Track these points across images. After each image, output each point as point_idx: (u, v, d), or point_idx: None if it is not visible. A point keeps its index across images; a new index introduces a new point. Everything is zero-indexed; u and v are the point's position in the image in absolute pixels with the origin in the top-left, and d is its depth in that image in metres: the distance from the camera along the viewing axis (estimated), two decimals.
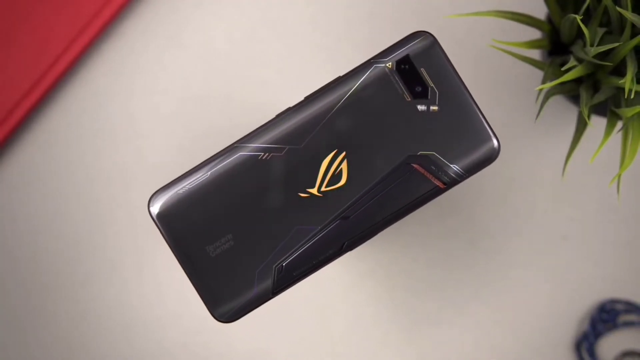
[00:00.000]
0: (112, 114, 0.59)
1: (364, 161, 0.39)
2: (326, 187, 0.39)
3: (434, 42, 0.39)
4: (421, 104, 0.39)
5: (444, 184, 0.39)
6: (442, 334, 0.59)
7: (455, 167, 0.39)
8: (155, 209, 0.39)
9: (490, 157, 0.39)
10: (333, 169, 0.39)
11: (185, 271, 0.39)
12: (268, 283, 0.39)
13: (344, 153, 0.39)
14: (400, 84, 0.39)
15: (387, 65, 0.39)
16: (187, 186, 0.39)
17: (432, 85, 0.38)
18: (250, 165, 0.39)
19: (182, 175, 0.39)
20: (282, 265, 0.39)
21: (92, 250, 0.59)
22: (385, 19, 0.58)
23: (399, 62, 0.39)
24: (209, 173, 0.39)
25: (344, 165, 0.39)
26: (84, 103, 0.59)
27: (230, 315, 0.39)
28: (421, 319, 0.59)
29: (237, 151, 0.39)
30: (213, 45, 0.59)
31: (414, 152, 0.39)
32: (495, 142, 0.39)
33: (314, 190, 0.39)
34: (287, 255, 0.39)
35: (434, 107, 0.39)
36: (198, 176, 0.39)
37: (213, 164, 0.39)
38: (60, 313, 0.59)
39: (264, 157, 0.39)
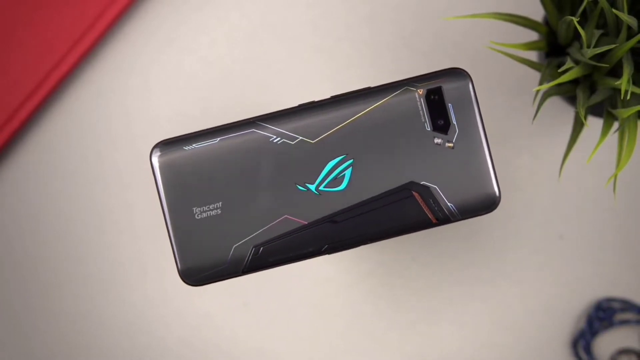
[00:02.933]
0: (114, 114, 0.59)
1: (368, 174, 0.39)
2: (325, 187, 0.39)
3: (469, 83, 0.39)
4: (439, 137, 0.39)
5: (437, 219, 0.39)
6: (440, 332, 0.59)
7: (452, 207, 0.39)
8: (156, 158, 0.39)
9: (488, 208, 0.39)
10: (336, 172, 0.39)
11: (166, 225, 0.39)
12: (241, 260, 0.39)
13: (351, 160, 0.39)
14: (425, 112, 0.39)
15: (418, 90, 0.39)
16: (193, 145, 0.39)
17: (455, 122, 0.39)
18: (260, 144, 0.39)
19: (192, 133, 0.39)
20: (260, 248, 0.39)
21: (94, 249, 0.59)
22: (385, 21, 0.59)
23: (430, 92, 0.39)
24: (217, 139, 0.39)
25: (348, 172, 0.39)
26: (87, 104, 0.59)
27: (196, 279, 0.39)
28: (420, 317, 0.59)
29: (251, 127, 0.39)
30: (215, 46, 0.59)
31: (417, 180, 0.39)
32: (497, 194, 0.39)
33: (313, 187, 0.39)
34: (267, 239, 0.39)
35: (449, 144, 0.39)
36: (207, 139, 0.39)
37: (225, 132, 0.39)
38: (62, 312, 0.59)
39: (275, 141, 0.39)
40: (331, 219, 0.39)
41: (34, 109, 0.58)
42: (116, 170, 0.59)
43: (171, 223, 0.39)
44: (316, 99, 0.40)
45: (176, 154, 0.39)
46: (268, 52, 0.59)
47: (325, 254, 0.39)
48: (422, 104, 0.39)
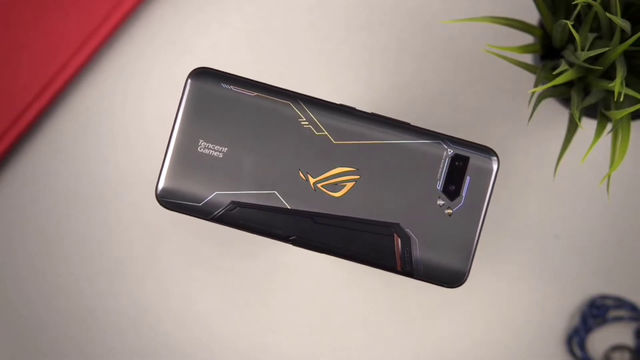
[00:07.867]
0: (117, 116, 0.60)
1: (366, 196, 0.40)
2: (323, 187, 0.39)
3: (495, 169, 0.40)
4: (443, 199, 0.40)
5: (402, 268, 0.40)
6: (437, 329, 0.59)
7: (420, 264, 0.40)
8: (193, 79, 0.40)
9: (451, 282, 0.40)
10: (339, 180, 0.40)
11: (169, 141, 0.40)
12: (215, 208, 0.40)
13: (358, 176, 0.40)
14: (444, 173, 0.40)
15: (448, 150, 0.40)
16: (231, 87, 0.40)
17: (464, 195, 0.40)
18: (289, 119, 0.40)
19: (236, 75, 0.40)
20: (236, 206, 0.40)
21: (99, 247, 0.60)
22: (383, 24, 0.59)
23: (457, 157, 0.40)
24: (255, 94, 0.40)
25: (350, 185, 0.40)
26: (92, 106, 0.60)
27: (168, 202, 0.40)
28: (417, 315, 0.59)
29: (290, 100, 0.40)
30: (216, 49, 0.60)
31: (403, 226, 0.40)
32: (465, 275, 0.40)
33: (312, 181, 0.40)
34: (248, 203, 0.40)
35: (449, 210, 0.40)
36: (246, 88, 0.40)
37: (265, 91, 0.40)
38: (68, 310, 0.60)
39: (302, 123, 0.40)
40: (312, 217, 0.39)
41: (40, 110, 0.58)
42: (120, 170, 0.59)
43: (174, 142, 0.40)
44: (357, 107, 0.40)
45: (212, 86, 0.40)
46: (269, 55, 0.59)
47: (290, 243, 0.40)
48: (444, 164, 0.40)
